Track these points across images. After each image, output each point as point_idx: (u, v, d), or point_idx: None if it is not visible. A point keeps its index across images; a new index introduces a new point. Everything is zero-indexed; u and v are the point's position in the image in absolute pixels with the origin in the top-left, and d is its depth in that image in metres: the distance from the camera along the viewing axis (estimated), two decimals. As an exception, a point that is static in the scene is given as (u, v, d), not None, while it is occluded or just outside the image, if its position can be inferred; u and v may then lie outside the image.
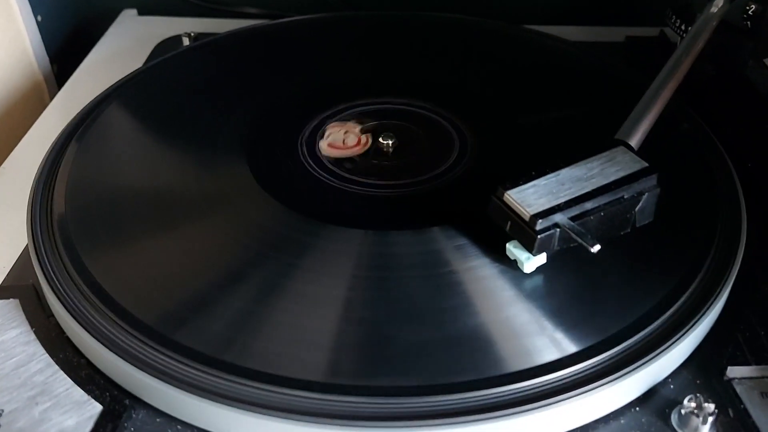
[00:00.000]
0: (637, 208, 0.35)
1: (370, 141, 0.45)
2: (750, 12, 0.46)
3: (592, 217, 0.34)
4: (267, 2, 0.72)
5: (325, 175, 0.42)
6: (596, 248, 0.32)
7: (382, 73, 0.53)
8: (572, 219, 0.33)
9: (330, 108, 0.48)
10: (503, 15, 0.64)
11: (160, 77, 0.52)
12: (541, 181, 0.35)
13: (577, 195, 0.34)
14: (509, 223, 0.34)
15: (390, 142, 0.44)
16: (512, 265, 0.35)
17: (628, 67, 0.53)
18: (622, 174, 0.35)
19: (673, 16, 0.52)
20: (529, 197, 0.34)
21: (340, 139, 0.44)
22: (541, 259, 0.34)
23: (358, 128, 0.46)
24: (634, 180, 0.35)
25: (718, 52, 0.47)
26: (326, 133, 0.45)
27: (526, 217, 0.33)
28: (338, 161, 0.43)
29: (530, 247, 0.34)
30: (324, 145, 0.44)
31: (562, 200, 0.34)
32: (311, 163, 0.43)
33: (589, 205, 0.34)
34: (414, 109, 0.48)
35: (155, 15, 0.72)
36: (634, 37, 0.63)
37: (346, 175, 0.42)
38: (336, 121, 0.47)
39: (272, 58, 0.55)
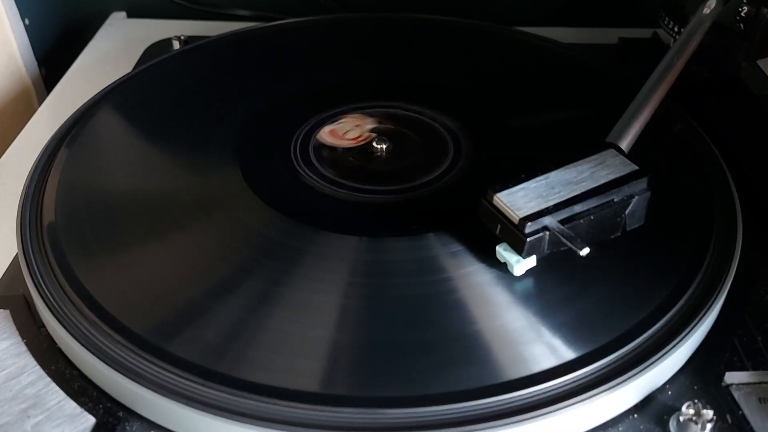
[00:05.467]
0: (627, 212, 0.35)
1: (366, 141, 0.44)
2: (743, 14, 0.46)
3: (581, 221, 0.34)
4: (258, 4, 0.71)
5: (319, 180, 0.41)
6: (585, 251, 0.32)
7: (375, 77, 0.53)
8: (562, 222, 0.33)
9: (322, 112, 0.47)
10: (496, 17, 0.64)
11: (151, 81, 0.51)
12: (530, 184, 0.35)
13: (566, 198, 0.34)
14: (499, 226, 0.34)
15: (384, 146, 0.44)
16: (508, 270, 0.35)
17: (621, 69, 0.53)
18: (612, 177, 0.35)
19: (666, 18, 0.52)
20: (518, 200, 0.34)
21: (345, 129, 0.43)
22: (531, 262, 0.34)
23: (371, 126, 0.45)
24: (623, 183, 0.35)
25: (712, 54, 0.47)
26: (339, 119, 0.44)
27: (516, 220, 0.33)
28: (334, 161, 0.43)
29: (520, 250, 0.34)
30: (326, 130, 0.42)
31: (552, 203, 0.34)
32: (305, 168, 0.42)
33: (578, 209, 0.34)
34: (407, 113, 0.48)
35: (145, 18, 0.71)
36: (627, 38, 0.63)
37: (340, 181, 0.41)
38: (359, 112, 0.46)
39: (264, 62, 0.54)
